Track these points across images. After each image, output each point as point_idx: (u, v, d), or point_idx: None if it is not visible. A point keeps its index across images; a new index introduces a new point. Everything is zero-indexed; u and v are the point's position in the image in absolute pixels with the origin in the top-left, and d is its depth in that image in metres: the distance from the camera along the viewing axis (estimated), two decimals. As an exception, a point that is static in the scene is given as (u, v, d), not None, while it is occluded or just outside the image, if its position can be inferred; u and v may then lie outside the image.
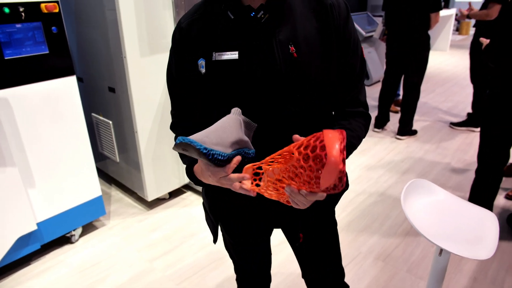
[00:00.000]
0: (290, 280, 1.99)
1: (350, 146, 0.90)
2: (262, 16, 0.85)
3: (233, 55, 0.86)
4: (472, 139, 3.70)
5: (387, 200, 2.71)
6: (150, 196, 2.61)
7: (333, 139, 0.64)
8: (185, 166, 0.97)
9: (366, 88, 5.50)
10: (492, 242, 1.23)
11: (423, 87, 3.98)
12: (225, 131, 0.78)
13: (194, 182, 0.95)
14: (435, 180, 2.96)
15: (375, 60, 5.64)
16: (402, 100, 3.70)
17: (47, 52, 1.94)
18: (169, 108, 1.08)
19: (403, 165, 3.22)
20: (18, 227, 1.98)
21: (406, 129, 3.74)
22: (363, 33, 5.29)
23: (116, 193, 2.93)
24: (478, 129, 3.77)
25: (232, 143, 0.78)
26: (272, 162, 0.77)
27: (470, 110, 4.14)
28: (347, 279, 1.29)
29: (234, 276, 1.37)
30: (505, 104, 1.95)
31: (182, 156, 0.99)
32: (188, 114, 1.00)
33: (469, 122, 3.91)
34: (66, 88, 2.06)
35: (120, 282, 2.03)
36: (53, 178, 2.11)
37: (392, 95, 3.80)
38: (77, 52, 2.68)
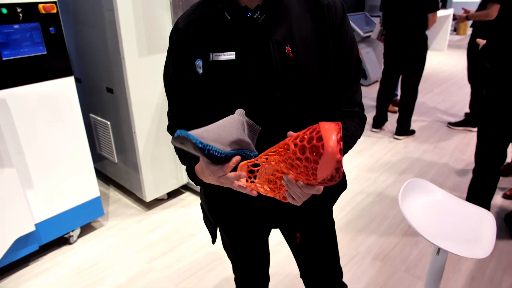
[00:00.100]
0: (288, 280, 1.99)
1: (346, 146, 0.90)
2: (259, 16, 0.85)
3: (230, 55, 0.86)
4: (470, 139, 3.71)
5: (385, 200, 2.72)
6: (149, 197, 2.61)
7: (330, 130, 0.64)
8: (184, 166, 0.97)
9: (364, 88, 5.53)
10: (489, 241, 1.23)
11: (421, 87, 4.00)
12: (225, 129, 0.78)
13: (195, 182, 0.95)
14: (433, 179, 2.97)
15: (373, 60, 5.65)
16: (400, 100, 3.70)
17: (45, 52, 1.94)
18: (167, 108, 1.07)
19: (401, 165, 3.23)
20: (16, 228, 1.98)
21: (404, 129, 3.75)
22: (361, 33, 5.30)
23: (114, 194, 2.93)
24: (476, 129, 3.78)
25: (231, 142, 0.78)
26: (267, 158, 0.77)
27: (467, 110, 4.15)
28: (345, 279, 1.30)
29: (233, 276, 1.37)
30: (502, 104, 1.96)
31: (181, 157, 0.99)
32: (185, 115, 1.01)
33: (466, 122, 3.92)
34: (64, 89, 2.05)
35: (119, 282, 2.02)
36: (51, 179, 2.11)
37: (390, 95, 3.81)
38: (75, 53, 2.67)
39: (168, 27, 2.34)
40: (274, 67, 0.85)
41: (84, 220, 2.34)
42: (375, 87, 5.05)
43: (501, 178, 2.57)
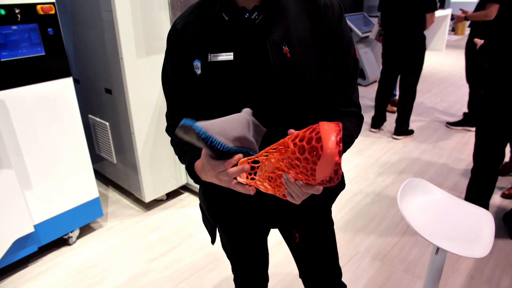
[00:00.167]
0: (288, 280, 1.99)
1: (344, 145, 0.90)
2: (256, 17, 0.86)
3: (228, 56, 0.87)
4: (468, 138, 3.71)
5: (384, 200, 2.72)
6: (148, 198, 2.60)
7: (329, 131, 0.64)
8: (184, 166, 0.96)
9: (363, 88, 5.54)
10: (488, 241, 1.24)
11: (419, 87, 4.00)
12: (231, 125, 0.77)
13: (194, 180, 0.95)
14: (431, 179, 2.98)
15: (372, 60, 5.66)
16: (399, 100, 3.71)
17: (43, 53, 1.94)
18: (166, 109, 1.07)
19: (400, 165, 3.23)
20: (15, 229, 1.97)
21: (402, 129, 3.75)
22: (359, 33, 5.31)
23: (113, 195, 2.92)
24: (474, 128, 3.79)
25: (235, 138, 0.77)
26: (267, 155, 0.77)
27: (466, 110, 4.17)
28: (344, 279, 1.30)
29: (232, 276, 1.37)
30: (500, 104, 1.96)
31: (180, 157, 0.99)
32: (184, 116, 1.00)
33: (465, 121, 3.93)
34: (63, 90, 2.05)
35: (118, 283, 2.02)
36: (50, 180, 2.11)
37: (389, 95, 3.81)
38: (73, 54, 2.67)
39: (166, 27, 2.34)
40: (271, 67, 0.85)
41: (83, 221, 2.34)
42: (374, 87, 5.06)
43: (499, 177, 2.57)
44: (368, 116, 4.23)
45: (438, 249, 1.34)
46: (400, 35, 3.41)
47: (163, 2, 2.29)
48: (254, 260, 1.25)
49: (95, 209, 2.37)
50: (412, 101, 3.67)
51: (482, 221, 1.34)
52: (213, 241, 1.15)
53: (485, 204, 2.21)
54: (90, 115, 2.77)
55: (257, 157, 0.78)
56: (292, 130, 0.75)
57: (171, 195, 2.85)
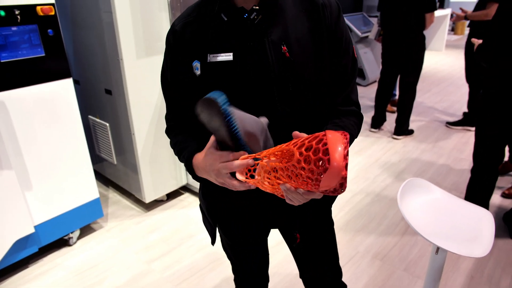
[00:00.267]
0: (288, 280, 2.00)
1: None
2: (255, 17, 0.86)
3: (227, 56, 0.87)
4: (468, 138, 3.72)
5: (384, 200, 2.72)
6: (148, 198, 2.61)
7: (337, 143, 0.64)
8: (184, 166, 0.96)
9: (363, 88, 5.54)
10: (488, 240, 1.24)
11: (419, 87, 4.00)
12: (249, 119, 0.78)
13: (193, 176, 0.95)
14: (431, 179, 2.98)
15: (371, 60, 5.66)
16: (398, 100, 3.71)
17: (43, 54, 1.94)
18: (166, 110, 1.07)
19: (400, 165, 3.23)
20: (16, 230, 1.98)
21: (402, 129, 3.75)
22: (359, 33, 5.31)
23: (113, 195, 2.93)
24: (474, 128, 3.79)
25: (248, 132, 0.77)
26: (267, 158, 0.77)
27: (466, 110, 4.16)
28: (344, 279, 1.30)
29: (232, 277, 1.37)
30: (500, 103, 1.96)
31: (179, 153, 0.97)
32: (183, 117, 1.01)
33: (465, 121, 3.93)
34: (63, 91, 2.05)
35: (118, 284, 2.02)
36: (51, 180, 2.11)
37: (389, 95, 3.81)
38: (73, 55, 2.67)
39: (166, 28, 2.34)
40: (270, 67, 0.86)
41: (83, 221, 2.34)
42: (374, 87, 5.06)
43: (499, 177, 2.58)
44: (368, 116, 4.23)
45: (438, 248, 1.34)
46: (400, 35, 3.41)
47: (163, 3, 2.29)
48: (254, 260, 1.25)
49: (95, 210, 2.37)
50: (412, 101, 3.67)
51: (482, 221, 1.34)
52: (213, 242, 1.15)
53: (485, 204, 2.21)
54: (90, 116, 2.77)
55: (259, 155, 0.78)
56: (296, 133, 0.75)
57: (171, 195, 2.86)
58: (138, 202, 2.80)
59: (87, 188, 2.29)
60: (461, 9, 3.59)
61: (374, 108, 3.93)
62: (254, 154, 0.78)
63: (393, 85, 3.78)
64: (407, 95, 3.64)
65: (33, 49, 1.90)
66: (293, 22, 0.87)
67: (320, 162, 0.65)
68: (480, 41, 2.00)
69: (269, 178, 0.76)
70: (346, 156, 0.63)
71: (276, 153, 0.75)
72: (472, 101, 3.80)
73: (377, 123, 3.94)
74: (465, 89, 5.15)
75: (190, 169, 0.93)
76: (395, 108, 4.39)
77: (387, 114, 4.26)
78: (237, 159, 0.78)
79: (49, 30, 1.93)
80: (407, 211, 1.35)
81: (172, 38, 0.93)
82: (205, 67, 0.89)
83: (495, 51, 1.88)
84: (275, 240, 2.21)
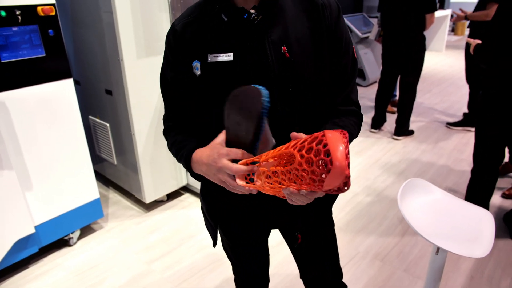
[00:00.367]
0: (288, 280, 1.99)
1: None
2: (255, 17, 0.86)
3: (228, 56, 0.87)
4: (468, 139, 3.72)
5: (385, 200, 2.72)
6: (148, 198, 2.61)
7: (337, 143, 0.64)
8: (183, 165, 0.95)
9: (363, 89, 5.54)
10: (488, 241, 1.24)
11: (419, 87, 4.00)
12: (268, 128, 0.80)
13: (191, 173, 0.94)
14: (432, 180, 2.98)
15: (372, 61, 5.66)
16: (399, 101, 3.71)
17: (44, 55, 1.94)
18: (166, 110, 1.06)
19: (400, 165, 3.23)
20: (16, 230, 1.98)
21: (402, 130, 3.75)
22: (359, 34, 5.31)
23: (113, 196, 2.93)
24: (474, 128, 3.79)
25: (265, 138, 0.79)
26: (267, 160, 0.76)
27: (466, 110, 4.17)
28: (345, 279, 1.30)
29: (233, 277, 1.37)
30: (500, 104, 1.96)
31: (178, 151, 0.97)
32: (183, 117, 1.00)
33: (465, 122, 3.93)
34: (63, 91, 2.06)
35: (118, 284, 2.02)
36: (51, 181, 2.11)
37: (389, 95, 3.81)
38: (73, 55, 2.68)
39: (166, 28, 2.34)
40: (270, 67, 0.86)
41: (83, 222, 2.34)
42: (374, 88, 5.06)
43: (499, 178, 2.58)
44: (368, 116, 4.23)
45: (438, 249, 1.34)
46: (400, 35, 3.42)
47: (163, 3, 2.29)
48: (255, 261, 1.25)
49: (95, 210, 2.38)
50: (412, 102, 3.67)
51: (483, 221, 1.34)
52: (214, 244, 1.15)
53: (485, 204, 2.21)
54: (90, 116, 2.77)
55: (257, 159, 0.77)
56: (295, 134, 0.75)
57: (172, 196, 2.86)
58: (138, 202, 2.80)
59: (87, 188, 2.29)
60: (461, 9, 3.59)
61: (374, 108, 3.93)
62: (252, 158, 0.78)
63: (393, 86, 3.78)
64: (407, 95, 3.64)
65: (33, 50, 1.90)
66: (293, 22, 0.88)
67: (322, 162, 0.65)
68: (477, 41, 2.00)
69: (270, 183, 0.75)
70: (347, 155, 0.63)
71: (275, 156, 0.75)
72: (472, 102, 3.80)
73: (377, 123, 3.94)
74: (465, 89, 5.15)
75: (188, 164, 0.92)
76: (395, 109, 4.39)
77: (387, 114, 4.26)
78: (245, 157, 0.78)
79: (49, 31, 1.94)
80: (407, 211, 1.35)
81: (172, 38, 0.93)
82: (205, 67, 0.89)
83: (495, 52, 1.88)
84: (275, 241, 2.21)
